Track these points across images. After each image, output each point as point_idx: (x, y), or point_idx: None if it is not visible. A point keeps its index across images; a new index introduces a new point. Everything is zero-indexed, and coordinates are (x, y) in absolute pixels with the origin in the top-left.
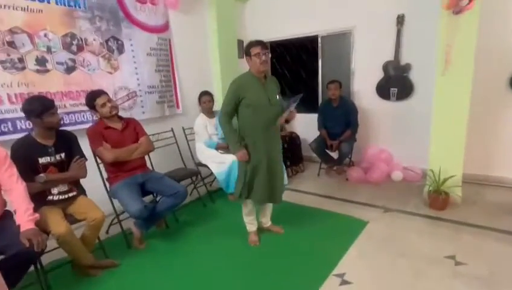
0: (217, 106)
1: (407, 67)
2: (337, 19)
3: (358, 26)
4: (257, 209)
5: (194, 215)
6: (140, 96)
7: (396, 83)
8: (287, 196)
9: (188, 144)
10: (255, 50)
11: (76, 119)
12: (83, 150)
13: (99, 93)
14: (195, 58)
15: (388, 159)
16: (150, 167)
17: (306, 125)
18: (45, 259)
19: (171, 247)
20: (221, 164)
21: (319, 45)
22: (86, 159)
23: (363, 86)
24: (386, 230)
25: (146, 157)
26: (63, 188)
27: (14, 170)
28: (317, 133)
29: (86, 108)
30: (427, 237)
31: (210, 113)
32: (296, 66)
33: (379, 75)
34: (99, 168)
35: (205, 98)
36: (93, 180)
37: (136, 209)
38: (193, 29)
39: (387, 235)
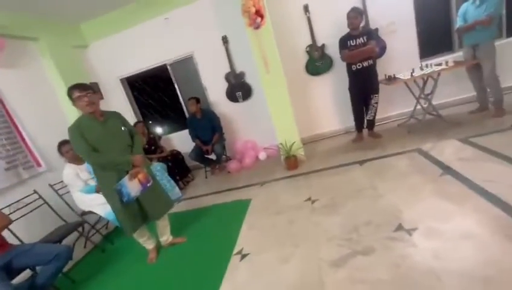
0: None
1: (242, 75)
2: (178, 47)
3: (196, 50)
4: (155, 229)
5: (92, 266)
6: None
7: (238, 88)
8: (184, 206)
9: (63, 199)
10: (75, 94)
11: None
12: None
13: None
14: (44, 110)
15: (254, 146)
16: (17, 242)
17: (183, 141)
18: None
19: None
20: (106, 204)
21: (170, 71)
22: None
23: (216, 96)
24: (264, 199)
25: (6, 233)
26: None
27: None
28: (191, 146)
29: None
30: (291, 192)
31: (77, 160)
32: (157, 94)
33: (224, 85)
34: None
35: (66, 147)
36: None
37: None
38: (29, 82)
39: (265, 203)
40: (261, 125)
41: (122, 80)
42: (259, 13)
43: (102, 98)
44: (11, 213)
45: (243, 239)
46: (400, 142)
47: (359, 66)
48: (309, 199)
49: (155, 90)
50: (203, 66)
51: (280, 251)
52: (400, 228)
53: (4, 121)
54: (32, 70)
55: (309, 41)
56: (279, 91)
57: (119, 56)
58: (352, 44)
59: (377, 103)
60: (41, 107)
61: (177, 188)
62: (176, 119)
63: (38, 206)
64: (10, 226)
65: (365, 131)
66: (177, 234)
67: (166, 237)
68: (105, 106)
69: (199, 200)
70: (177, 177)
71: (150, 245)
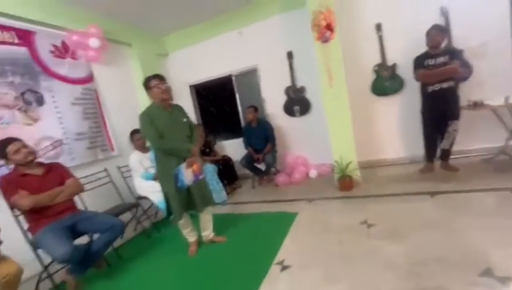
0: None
1: (302, 89)
2: (244, 60)
3: (260, 64)
4: (198, 224)
5: (138, 248)
6: (68, 144)
7: (297, 102)
8: (228, 209)
9: (126, 181)
10: (153, 82)
11: None
12: None
13: (11, 140)
14: (124, 105)
15: (304, 162)
16: (83, 208)
17: (236, 149)
18: None
19: (113, 285)
20: (160, 193)
21: (234, 82)
22: None
23: (274, 108)
24: (312, 215)
25: (78, 200)
26: None
27: None
28: (243, 154)
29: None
30: (342, 212)
31: (143, 148)
32: (219, 102)
33: (283, 98)
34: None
35: (137, 135)
36: (11, 235)
37: (62, 253)
38: (119, 79)
39: (313, 220)
40: (315, 142)
41: (191, 87)
42: (329, 27)
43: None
44: (84, 184)
45: (285, 251)
46: (485, 179)
47: (437, 87)
48: (364, 222)
49: (217, 98)
50: (265, 79)
51: (327, 269)
52: (488, 273)
53: (95, 108)
54: (123, 70)
55: (378, 60)
56: (341, 106)
57: (192, 65)
58: (430, 63)
59: (455, 130)
60: (122, 101)
61: (224, 191)
62: (232, 127)
63: (105, 183)
64: (81, 194)
65: (437, 162)
66: (219, 234)
67: (208, 233)
68: None
69: (243, 206)
70: (225, 182)
71: (192, 237)
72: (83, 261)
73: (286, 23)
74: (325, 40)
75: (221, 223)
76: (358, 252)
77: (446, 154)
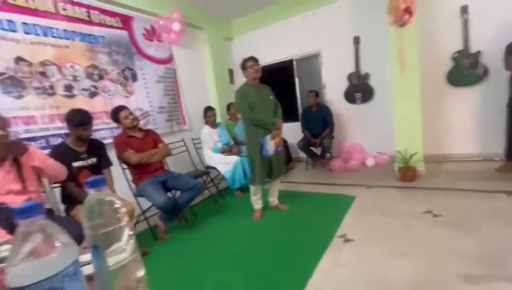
0: (218, 118)
1: (366, 76)
2: (307, 44)
3: (324, 49)
4: (265, 191)
5: (207, 209)
6: (152, 115)
7: (359, 89)
8: (283, 187)
9: (197, 152)
10: (250, 63)
11: (101, 135)
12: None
13: (122, 107)
14: (195, 84)
15: (361, 150)
16: (168, 169)
17: (291, 132)
18: None
19: (191, 235)
20: (227, 165)
21: (294, 66)
22: (112, 165)
23: (334, 94)
24: (371, 200)
25: (164, 162)
26: None
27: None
28: (299, 138)
29: (106, 126)
30: (405, 201)
31: (213, 124)
32: (278, 86)
33: (345, 84)
34: (124, 173)
35: (210, 112)
36: (120, 183)
37: (162, 201)
38: (192, 60)
39: (373, 204)
40: (374, 131)
41: None
42: (408, 10)
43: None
44: None
45: (347, 227)
46: None
47: None
48: (429, 211)
49: (276, 82)
50: (327, 64)
51: (392, 246)
52: None
53: (173, 86)
54: (195, 53)
55: (459, 47)
56: (411, 95)
57: (254, 49)
58: None
59: None
60: (194, 81)
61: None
62: (289, 111)
63: (182, 152)
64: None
65: None
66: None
67: (273, 199)
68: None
69: (298, 185)
70: None
71: (258, 205)
72: (171, 212)
73: (354, 7)
74: (401, 24)
75: (280, 198)
76: (424, 236)
77: None
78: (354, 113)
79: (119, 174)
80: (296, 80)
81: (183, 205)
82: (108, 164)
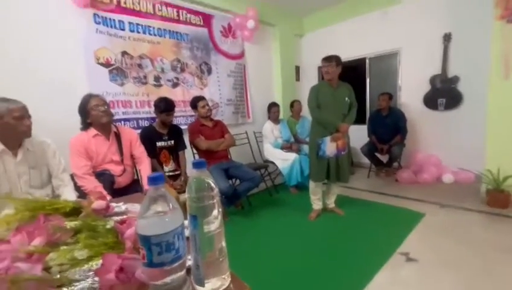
0: (281, 115)
1: (454, 80)
2: (384, 42)
3: (404, 47)
4: (324, 192)
5: (262, 201)
6: (221, 107)
7: (444, 94)
8: (341, 191)
9: (258, 145)
10: (323, 63)
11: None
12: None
13: (202, 98)
14: (262, 80)
15: (437, 163)
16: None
17: (355, 135)
18: None
19: (247, 221)
20: (285, 161)
21: (367, 65)
22: (186, 148)
23: (410, 98)
24: (444, 221)
25: (228, 151)
26: (172, 167)
27: (144, 149)
28: (364, 142)
29: (183, 114)
30: (490, 229)
31: (276, 120)
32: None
33: (426, 88)
34: (194, 156)
35: (275, 108)
36: (190, 165)
37: (224, 186)
38: (262, 56)
39: (447, 226)
40: (457, 143)
41: (319, 68)
42: None
43: (339, 71)
44: None
45: (412, 245)
46: None
47: None
48: None
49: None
50: (407, 64)
51: (463, 276)
52: None
53: (241, 80)
54: (265, 49)
55: None
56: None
57: (325, 46)
58: None
59: None
60: (261, 77)
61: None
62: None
63: (244, 144)
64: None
65: None
66: None
67: (330, 201)
68: (299, 87)
69: (357, 192)
70: None
71: (317, 206)
72: (231, 197)
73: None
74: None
75: (337, 202)
76: (508, 273)
77: None
78: (433, 121)
79: (189, 157)
80: (367, 81)
81: (241, 193)
82: (183, 146)
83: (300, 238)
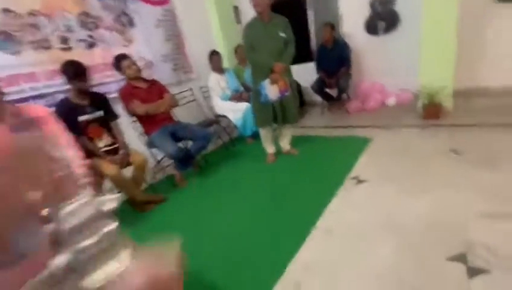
0: (225, 63)
1: (392, 0)
2: None
3: None
4: (277, 136)
5: (221, 157)
6: (157, 65)
7: (383, 16)
8: (296, 132)
9: (206, 101)
10: None
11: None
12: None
13: (124, 56)
14: (198, 27)
15: (381, 89)
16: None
17: (303, 73)
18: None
19: (207, 181)
20: (236, 111)
21: None
22: (119, 117)
23: (352, 26)
24: (389, 141)
25: (172, 112)
26: (108, 142)
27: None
28: (313, 79)
29: (112, 79)
30: (426, 140)
31: (220, 70)
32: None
33: (366, 13)
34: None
35: (216, 57)
36: (132, 135)
37: (172, 150)
38: (193, 2)
39: (391, 144)
40: (397, 66)
41: None
42: None
43: (271, 2)
44: None
45: (361, 168)
46: None
47: None
48: (453, 150)
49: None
50: None
51: (407, 185)
52: None
53: (174, 29)
54: None
55: None
56: (446, 15)
57: None
58: None
59: None
60: (196, 23)
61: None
62: (300, 49)
63: (191, 101)
64: (174, 109)
65: None
66: None
67: (284, 144)
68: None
69: (312, 130)
70: None
71: (271, 149)
72: (184, 161)
73: None
74: None
75: (293, 143)
76: (444, 175)
77: None
78: (374, 47)
79: (128, 127)
80: (309, 13)
81: (194, 154)
82: (115, 116)
83: (258, 183)
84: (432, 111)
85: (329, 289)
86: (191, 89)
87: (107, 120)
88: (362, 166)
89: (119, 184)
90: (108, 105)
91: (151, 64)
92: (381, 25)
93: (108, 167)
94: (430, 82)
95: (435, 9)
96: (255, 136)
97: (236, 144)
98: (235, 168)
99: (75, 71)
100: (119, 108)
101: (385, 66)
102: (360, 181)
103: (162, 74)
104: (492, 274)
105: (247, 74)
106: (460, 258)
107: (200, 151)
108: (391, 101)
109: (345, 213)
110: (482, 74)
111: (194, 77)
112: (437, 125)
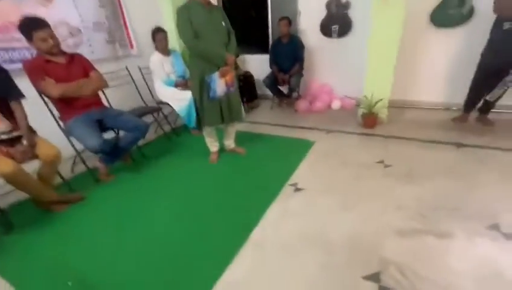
0: (172, 44)
1: (347, 5)
2: None
3: None
4: (222, 133)
5: (159, 149)
6: (85, 34)
7: (337, 20)
8: (244, 127)
9: (147, 84)
10: None
11: (11, 57)
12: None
13: (41, 24)
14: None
15: (329, 91)
16: (107, 105)
17: (259, 65)
18: (2, 202)
19: (138, 177)
20: (181, 100)
21: None
22: (24, 97)
23: (309, 25)
24: (329, 147)
25: (102, 95)
26: (5, 128)
27: None
28: (266, 73)
29: (21, 44)
30: (361, 149)
31: (165, 51)
32: (247, 9)
33: (323, 13)
34: (47, 105)
35: (160, 35)
36: (44, 120)
37: (95, 144)
38: None
39: (330, 151)
40: (345, 71)
41: None
42: None
43: None
44: None
45: (300, 175)
46: None
47: None
48: (381, 161)
49: (245, 7)
50: None
51: (340, 198)
52: (495, 227)
53: None
54: None
55: None
56: (391, 32)
57: None
58: None
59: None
60: None
61: (242, 109)
62: (258, 41)
63: (127, 83)
64: (105, 91)
65: (473, 114)
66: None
67: (230, 142)
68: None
69: (260, 126)
70: (244, 99)
71: (214, 148)
72: (112, 154)
73: None
74: None
75: (239, 140)
76: (371, 188)
77: (488, 108)
78: (327, 49)
79: (41, 108)
80: (269, 4)
81: (125, 147)
82: (18, 95)
83: (197, 185)
84: (369, 120)
85: None
86: (126, 68)
87: (5, 100)
88: (302, 172)
89: (18, 184)
90: (7, 80)
91: (78, 32)
92: (335, 28)
93: (2, 162)
94: (371, 92)
95: (382, 18)
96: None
97: (181, 135)
98: (173, 163)
99: None
100: (25, 83)
101: (335, 69)
102: (297, 189)
103: (93, 45)
104: None
105: (175, 61)
106: (375, 277)
107: (133, 144)
108: (336, 104)
109: (279, 225)
110: (413, 88)
111: (134, 53)
112: (372, 134)
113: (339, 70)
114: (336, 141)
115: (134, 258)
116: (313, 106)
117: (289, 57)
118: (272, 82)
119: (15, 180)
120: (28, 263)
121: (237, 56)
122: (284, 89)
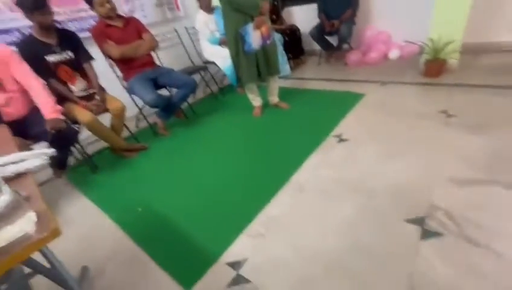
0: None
1: None
2: None
3: None
4: (265, 88)
5: (207, 107)
6: None
7: None
8: (290, 84)
9: (194, 44)
10: None
11: (81, 26)
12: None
13: None
14: None
15: (386, 40)
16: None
17: (305, 17)
18: (89, 149)
19: (191, 130)
20: (226, 58)
21: None
22: (93, 59)
23: None
24: (382, 98)
25: (155, 55)
26: (83, 86)
27: (27, 68)
28: (313, 25)
29: (86, 13)
30: (421, 99)
31: (209, 8)
32: None
33: None
34: (112, 68)
35: None
36: (110, 82)
37: (151, 99)
38: None
39: (382, 102)
40: (408, 13)
41: None
42: None
43: None
44: None
45: (346, 126)
46: None
47: None
48: (444, 111)
49: None
50: None
51: (388, 148)
52: None
53: None
54: None
55: None
56: None
57: None
58: None
59: None
60: None
61: (288, 65)
62: None
63: (176, 44)
64: (156, 52)
65: None
66: None
67: (273, 97)
68: None
69: (307, 82)
70: (290, 56)
71: (257, 102)
72: (166, 109)
73: None
74: None
75: (283, 96)
76: (428, 137)
77: None
78: None
79: (107, 70)
80: None
81: (177, 103)
82: (88, 57)
83: (242, 136)
84: (433, 68)
85: (288, 241)
86: (175, 30)
87: (80, 62)
88: (348, 124)
89: (96, 132)
90: (80, 45)
91: None
92: None
93: (82, 113)
94: (439, 35)
95: None
96: None
97: (226, 94)
98: (221, 119)
99: (34, 3)
100: (94, 48)
101: (395, 13)
102: (342, 140)
103: (145, 9)
104: (444, 238)
105: (217, 19)
106: (419, 221)
107: (184, 100)
108: (394, 54)
109: (319, 171)
110: (493, 27)
111: (181, 15)
112: (436, 84)
113: (400, 13)
114: (390, 92)
115: (189, 194)
116: (367, 57)
117: (340, 2)
118: (320, 33)
119: (93, 128)
120: (110, 194)
121: (282, 8)
122: (334, 40)
